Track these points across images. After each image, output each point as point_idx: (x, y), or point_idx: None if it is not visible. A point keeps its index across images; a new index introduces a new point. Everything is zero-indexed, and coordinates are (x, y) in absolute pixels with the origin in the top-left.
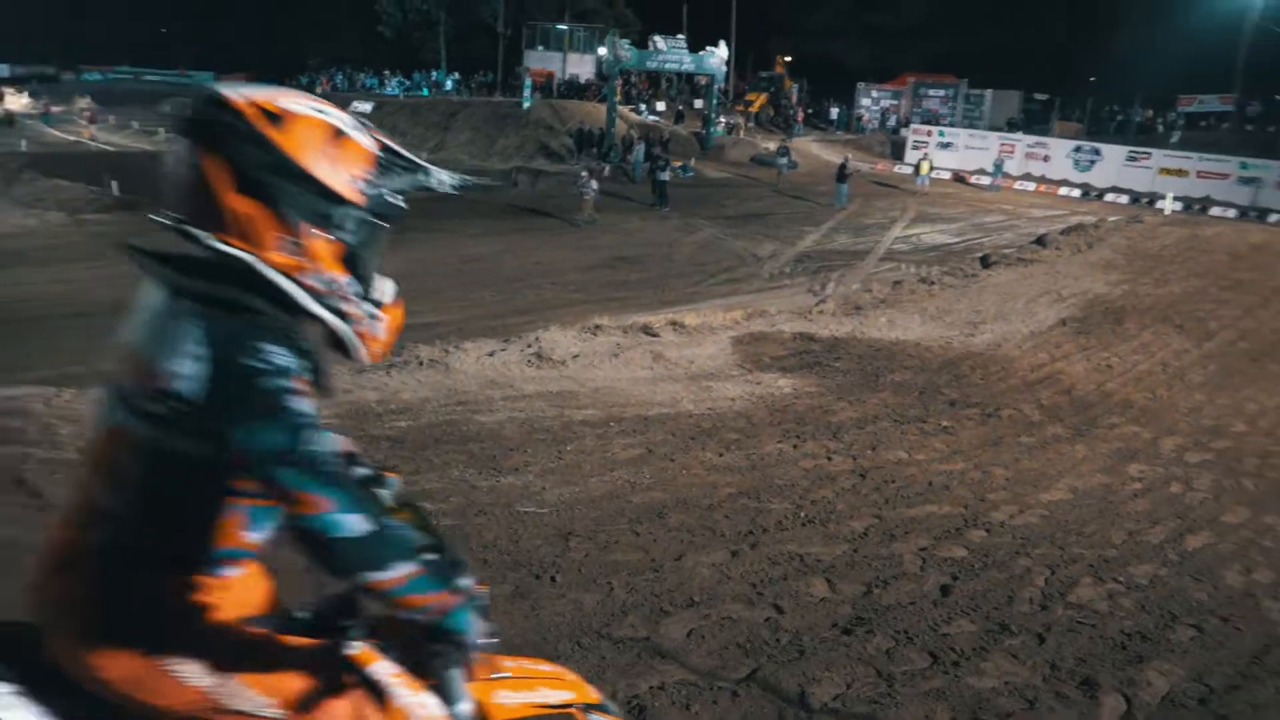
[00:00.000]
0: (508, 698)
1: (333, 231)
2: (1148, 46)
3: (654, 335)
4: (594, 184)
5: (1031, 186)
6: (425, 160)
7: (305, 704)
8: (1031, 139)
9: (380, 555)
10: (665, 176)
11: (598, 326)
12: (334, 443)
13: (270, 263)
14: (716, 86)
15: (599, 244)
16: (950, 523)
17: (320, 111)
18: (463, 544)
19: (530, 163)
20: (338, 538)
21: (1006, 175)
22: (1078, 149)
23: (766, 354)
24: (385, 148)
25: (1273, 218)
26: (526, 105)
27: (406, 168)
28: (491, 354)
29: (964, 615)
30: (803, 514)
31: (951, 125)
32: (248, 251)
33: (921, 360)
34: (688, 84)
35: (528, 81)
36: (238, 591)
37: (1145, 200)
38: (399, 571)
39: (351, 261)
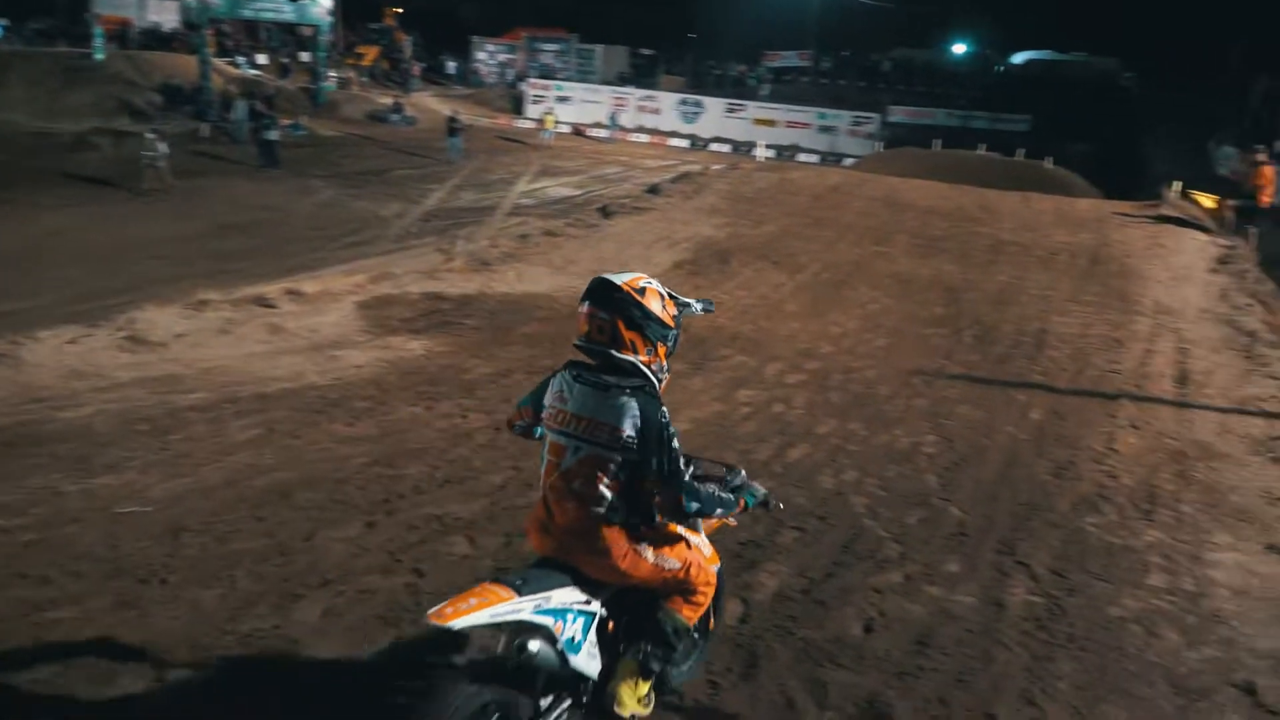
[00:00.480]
0: (706, 524)
1: (666, 344)
2: (737, 6)
3: (270, 306)
4: (162, 147)
5: (645, 138)
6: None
7: (686, 558)
8: (642, 93)
9: (704, 513)
10: (274, 135)
11: (204, 301)
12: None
13: (643, 362)
14: (324, 38)
15: (202, 211)
16: None
17: (653, 282)
18: (49, 560)
19: (111, 122)
20: (690, 510)
21: (621, 128)
22: (683, 102)
23: (395, 317)
24: (673, 296)
25: (847, 161)
26: (99, 57)
27: (684, 304)
28: (74, 341)
29: None
30: (440, 475)
31: (567, 79)
32: (634, 357)
33: (551, 311)
34: (291, 35)
35: (98, 30)
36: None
37: (744, 148)
38: (715, 517)
39: (669, 354)
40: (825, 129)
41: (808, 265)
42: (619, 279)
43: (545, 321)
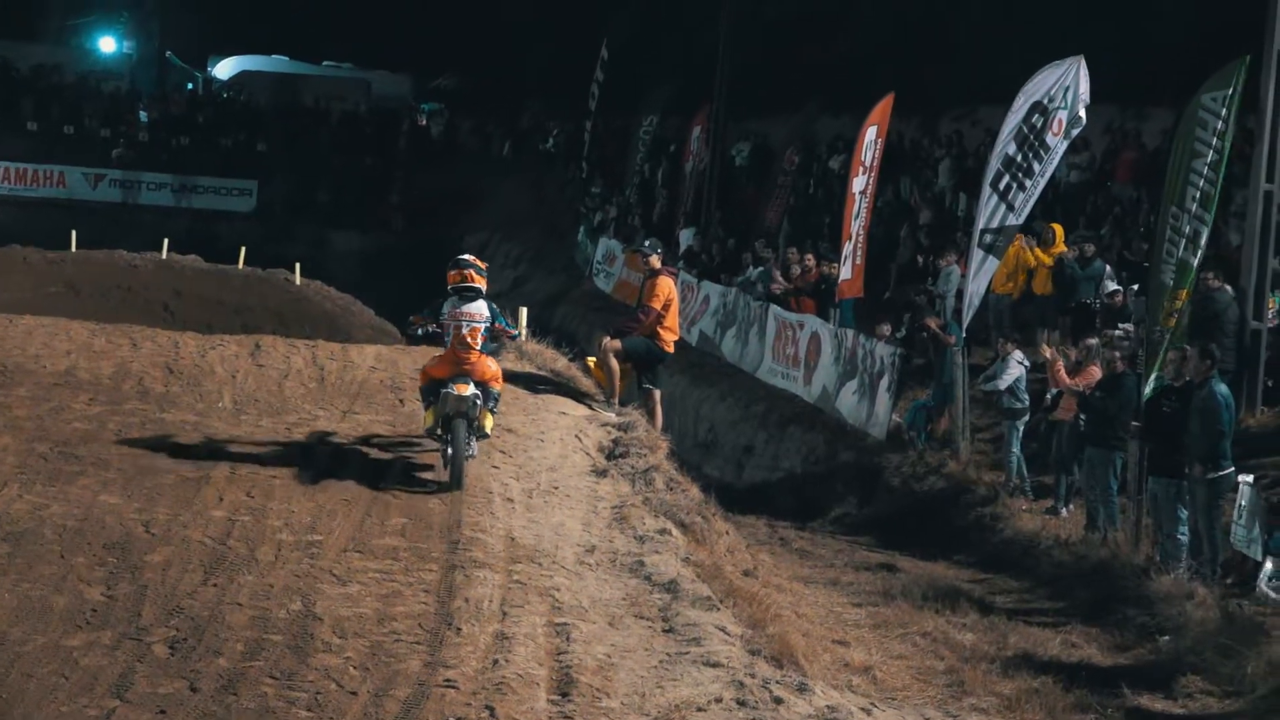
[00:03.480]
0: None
1: (486, 278)
2: None
3: None
4: None
5: None
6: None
7: (498, 365)
8: None
9: (516, 333)
10: None
11: None
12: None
13: (483, 287)
14: None
15: None
16: None
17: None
18: None
19: None
20: (515, 333)
21: None
22: None
23: None
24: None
25: None
26: None
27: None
28: None
29: None
30: None
31: None
32: (480, 285)
33: None
34: None
35: None
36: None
37: None
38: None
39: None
40: None
41: None
42: (469, 256)
43: None
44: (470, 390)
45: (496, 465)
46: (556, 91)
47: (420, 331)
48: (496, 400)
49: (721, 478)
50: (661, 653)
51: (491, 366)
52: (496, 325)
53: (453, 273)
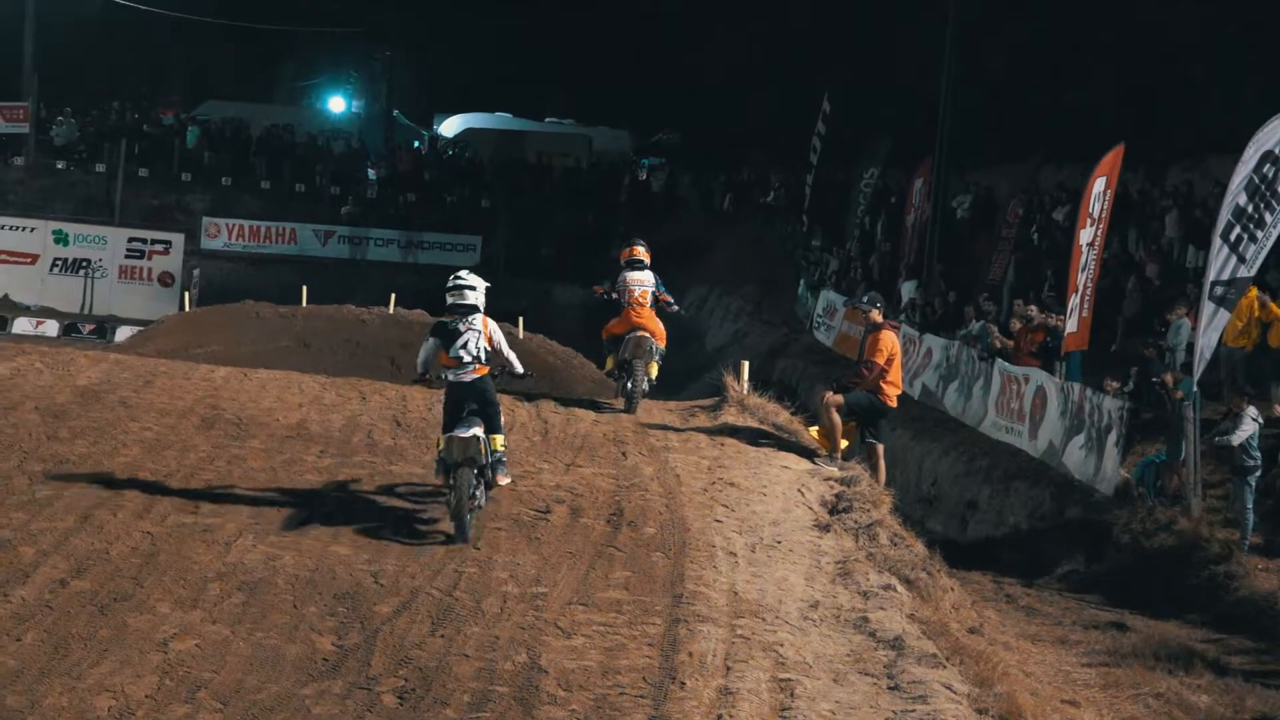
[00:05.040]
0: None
1: (650, 253)
2: None
3: None
4: None
5: None
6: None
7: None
8: None
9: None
10: None
11: None
12: None
13: (649, 261)
14: None
15: None
16: None
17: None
18: None
19: None
20: (675, 307)
21: None
22: None
23: None
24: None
25: (124, 332)
26: None
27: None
28: None
29: None
30: None
31: None
32: (647, 259)
33: None
34: None
35: None
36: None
37: None
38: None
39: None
40: (71, 266)
41: (40, 564)
42: (637, 238)
43: None
44: (650, 338)
45: (719, 519)
46: (777, 144)
47: (603, 297)
48: (662, 356)
49: (945, 533)
50: (887, 710)
51: (660, 326)
52: (658, 291)
53: (624, 250)
